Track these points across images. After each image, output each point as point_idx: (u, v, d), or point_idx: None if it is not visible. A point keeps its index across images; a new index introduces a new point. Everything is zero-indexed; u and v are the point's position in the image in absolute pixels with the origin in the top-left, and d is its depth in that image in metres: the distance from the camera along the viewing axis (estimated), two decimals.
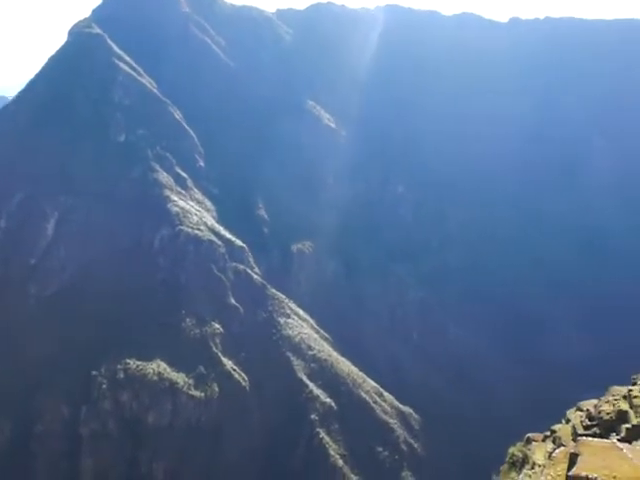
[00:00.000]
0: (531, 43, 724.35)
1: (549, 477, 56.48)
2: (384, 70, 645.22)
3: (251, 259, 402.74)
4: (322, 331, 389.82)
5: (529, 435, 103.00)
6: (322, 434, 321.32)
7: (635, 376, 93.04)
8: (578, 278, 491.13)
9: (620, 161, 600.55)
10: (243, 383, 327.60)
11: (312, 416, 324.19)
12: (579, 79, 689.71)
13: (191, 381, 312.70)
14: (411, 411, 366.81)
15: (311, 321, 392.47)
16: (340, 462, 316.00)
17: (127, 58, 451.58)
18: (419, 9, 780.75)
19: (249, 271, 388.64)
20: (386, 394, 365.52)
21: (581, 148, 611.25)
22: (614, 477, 43.47)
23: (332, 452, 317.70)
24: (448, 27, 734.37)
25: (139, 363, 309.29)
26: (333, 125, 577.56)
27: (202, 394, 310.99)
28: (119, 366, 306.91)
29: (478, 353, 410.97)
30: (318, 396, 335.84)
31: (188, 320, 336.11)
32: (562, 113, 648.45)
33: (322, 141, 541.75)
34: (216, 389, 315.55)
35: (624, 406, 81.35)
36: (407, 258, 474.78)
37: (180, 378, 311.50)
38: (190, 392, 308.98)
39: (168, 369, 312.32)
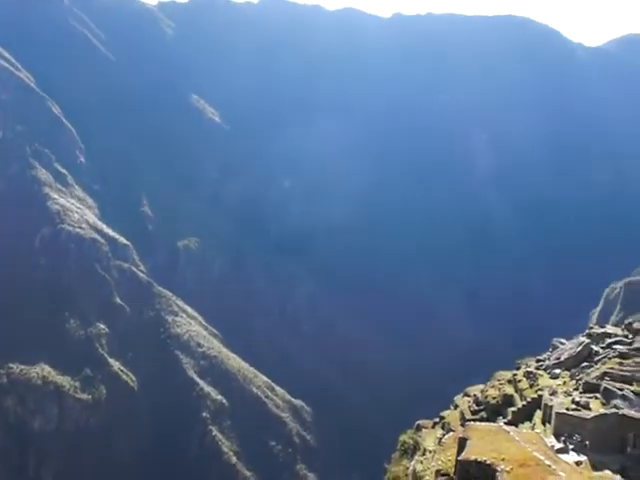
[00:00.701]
0: (413, 38, 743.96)
1: (440, 462, 57.81)
2: (268, 64, 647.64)
3: (136, 257, 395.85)
4: (211, 328, 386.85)
5: (419, 422, 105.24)
6: (214, 431, 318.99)
7: (519, 361, 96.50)
8: (463, 266, 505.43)
9: (500, 153, 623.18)
10: (131, 384, 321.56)
11: (204, 414, 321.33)
12: (460, 73, 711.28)
13: (77, 384, 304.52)
14: (303, 404, 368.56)
15: (200, 318, 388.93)
16: (234, 458, 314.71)
17: (4, 52, 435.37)
18: (303, 4, 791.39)
19: (134, 269, 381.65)
20: (277, 388, 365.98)
21: (462, 141, 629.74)
22: (502, 459, 44.67)
23: (225, 449, 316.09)
24: (331, 22, 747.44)
25: (22, 367, 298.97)
26: (217, 119, 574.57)
27: (89, 397, 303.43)
28: (1, 371, 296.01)
29: (367, 343, 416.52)
30: (209, 393, 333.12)
31: (72, 321, 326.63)
32: (440, 106, 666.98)
33: (206, 135, 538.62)
34: (104, 391, 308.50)
35: (509, 390, 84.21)
36: (295, 252, 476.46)
37: (65, 381, 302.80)
38: (77, 395, 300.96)
39: (53, 372, 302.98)
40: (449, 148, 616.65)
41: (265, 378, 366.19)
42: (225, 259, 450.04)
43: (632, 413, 48.20)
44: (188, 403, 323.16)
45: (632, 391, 54.96)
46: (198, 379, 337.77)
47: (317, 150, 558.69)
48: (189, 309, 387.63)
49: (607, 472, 42.85)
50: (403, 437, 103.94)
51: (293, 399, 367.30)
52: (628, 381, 59.43)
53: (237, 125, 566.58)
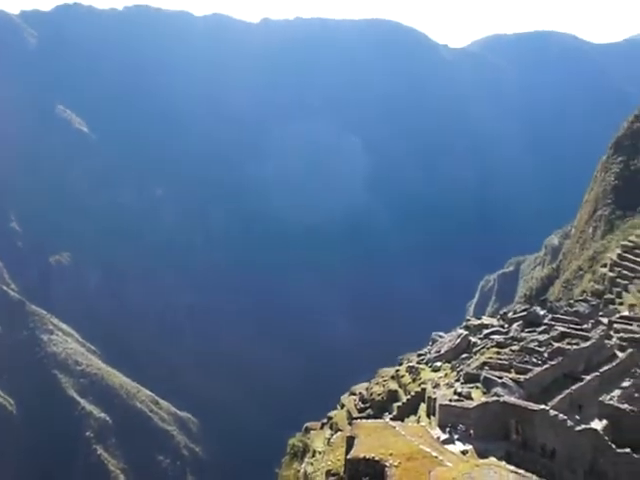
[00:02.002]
0: (282, 42, 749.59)
1: (329, 463, 57.94)
2: (134, 72, 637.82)
3: (6, 275, 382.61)
4: (89, 344, 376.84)
5: (307, 424, 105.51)
6: (99, 450, 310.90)
7: (401, 357, 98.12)
8: (343, 267, 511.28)
9: (374, 156, 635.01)
10: (9, 407, 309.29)
11: (87, 433, 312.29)
12: (330, 77, 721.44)
13: None
14: (189, 415, 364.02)
15: (76, 335, 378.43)
16: (122, 477, 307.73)
17: None
18: (168, 9, 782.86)
19: (5, 288, 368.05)
20: (162, 402, 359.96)
21: (336, 145, 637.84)
22: (390, 454, 45.10)
23: (112, 467, 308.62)
24: (199, 27, 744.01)
25: None
26: (85, 129, 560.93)
27: None
28: None
29: (251, 350, 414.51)
30: (91, 412, 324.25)
31: None
32: (311, 110, 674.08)
33: (73, 146, 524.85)
34: None
35: (393, 386, 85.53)
36: (173, 261, 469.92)
37: None
38: None
39: None
40: (322, 152, 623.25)
41: (149, 392, 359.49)
42: (99, 272, 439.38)
43: (513, 400, 49.59)
44: (70, 423, 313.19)
45: (511, 378, 56.62)
46: (79, 398, 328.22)
47: (184, 157, 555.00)
48: (65, 326, 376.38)
49: (492, 459, 43.89)
50: (292, 440, 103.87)
51: (179, 411, 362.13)
52: (506, 369, 61.28)
53: (105, 134, 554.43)
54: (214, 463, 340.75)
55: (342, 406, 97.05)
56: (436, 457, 44.43)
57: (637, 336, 67.60)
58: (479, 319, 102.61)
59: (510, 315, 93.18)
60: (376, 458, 45.28)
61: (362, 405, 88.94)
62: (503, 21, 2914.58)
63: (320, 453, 76.71)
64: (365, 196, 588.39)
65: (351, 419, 77.35)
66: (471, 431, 49.18)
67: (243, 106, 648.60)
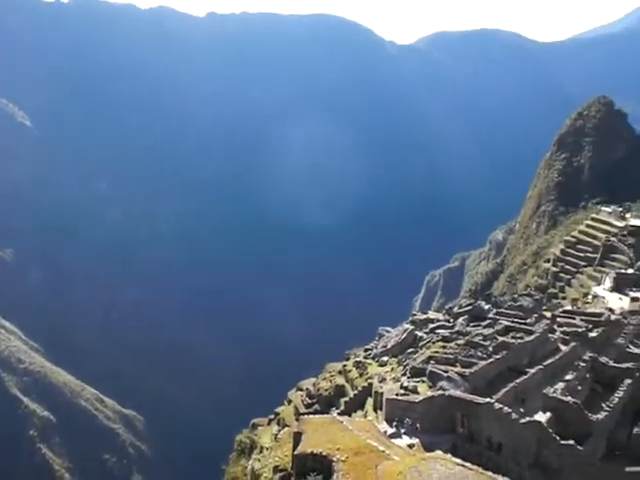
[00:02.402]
0: (227, 36, 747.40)
1: (277, 459, 57.89)
2: (78, 65, 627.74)
3: None
4: (32, 342, 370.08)
5: (254, 421, 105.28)
6: (44, 449, 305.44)
7: (348, 352, 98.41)
8: (289, 264, 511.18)
9: (319, 151, 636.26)
10: None
11: (31, 432, 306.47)
12: (275, 71, 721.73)
13: None
14: (135, 413, 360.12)
15: (19, 333, 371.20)
16: (67, 476, 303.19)
17: None
18: (114, 2, 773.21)
19: None
20: (107, 400, 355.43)
21: (276, 138, 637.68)
22: (337, 449, 45.21)
23: (57, 467, 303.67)
24: (145, 20, 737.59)
25: None
26: (28, 123, 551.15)
27: None
28: None
29: (197, 346, 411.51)
30: (35, 410, 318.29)
31: None
32: (254, 103, 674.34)
33: (16, 140, 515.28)
34: None
35: (340, 381, 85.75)
36: (118, 257, 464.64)
37: None
38: None
39: None
40: (263, 146, 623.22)
41: (93, 390, 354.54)
42: (43, 269, 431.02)
43: (458, 393, 50.06)
44: (13, 422, 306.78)
45: (457, 372, 57.14)
46: (22, 396, 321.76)
47: (129, 154, 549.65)
48: (7, 324, 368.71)
49: (439, 452, 44.27)
50: (239, 437, 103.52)
51: (124, 409, 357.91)
52: (452, 363, 61.87)
53: (48, 129, 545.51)
54: (161, 461, 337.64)
55: (289, 402, 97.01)
56: (383, 451, 44.66)
57: (580, 330, 68.76)
58: (425, 314, 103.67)
59: (455, 310, 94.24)
60: (323, 453, 45.34)
61: (309, 401, 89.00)
62: (448, 18, 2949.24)
63: (267, 449, 76.56)
64: (310, 191, 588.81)
65: (298, 415, 77.30)
66: (418, 425, 49.53)
67: (188, 100, 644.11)
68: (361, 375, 79.08)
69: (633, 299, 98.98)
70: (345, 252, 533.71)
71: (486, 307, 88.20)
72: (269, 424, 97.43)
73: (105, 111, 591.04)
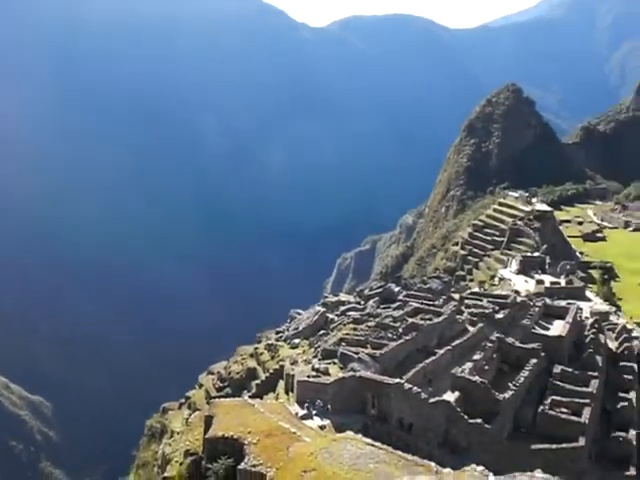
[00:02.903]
0: (138, 17, 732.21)
1: (188, 443, 57.27)
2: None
3: None
4: None
5: (165, 405, 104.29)
6: None
7: (260, 334, 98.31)
8: (202, 249, 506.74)
9: (231, 138, 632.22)
10: None
11: None
12: (187, 54, 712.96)
13: None
14: (42, 399, 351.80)
15: None
16: None
17: None
18: None
19: None
20: (13, 386, 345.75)
21: (191, 124, 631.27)
22: (249, 432, 45.07)
23: None
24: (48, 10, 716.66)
25: None
26: None
27: None
28: None
29: (109, 332, 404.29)
30: None
31: None
32: (169, 89, 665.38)
33: None
34: None
35: (252, 364, 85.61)
36: (30, 244, 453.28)
37: None
38: None
39: None
40: (178, 132, 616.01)
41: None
42: None
43: (369, 374, 50.48)
44: None
45: (367, 354, 57.61)
46: None
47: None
48: None
49: (349, 433, 44.56)
50: (150, 422, 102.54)
51: (30, 395, 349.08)
52: (363, 345, 62.35)
53: None
54: (70, 447, 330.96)
55: (200, 386, 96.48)
56: (294, 433, 44.73)
57: (487, 311, 70.21)
58: (336, 296, 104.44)
59: (366, 292, 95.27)
60: (235, 436, 45.13)
61: (221, 384, 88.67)
62: (362, 2, 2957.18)
63: (178, 433, 75.83)
64: (222, 179, 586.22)
65: (209, 398, 76.82)
66: (329, 406, 49.74)
67: (87, 93, 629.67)
68: (273, 358, 79.17)
69: (538, 281, 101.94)
70: (258, 236, 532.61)
71: (396, 289, 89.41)
72: (180, 408, 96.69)
73: None
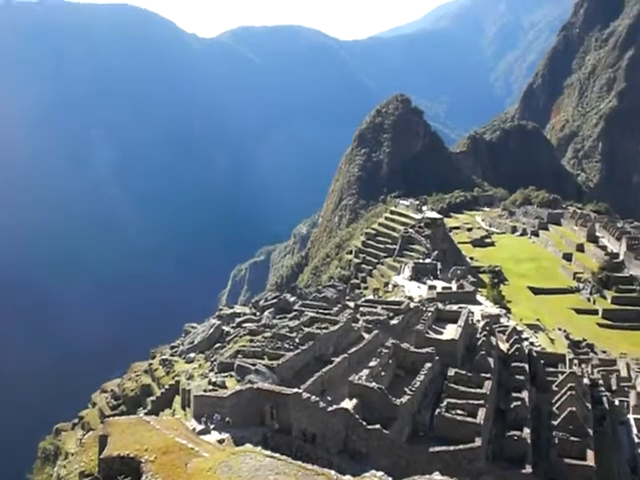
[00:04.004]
0: (26, 24, 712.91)
1: (83, 464, 55.44)
2: None
3: None
4: None
5: (57, 426, 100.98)
6: None
7: (154, 350, 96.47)
8: (92, 260, 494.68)
9: (118, 149, 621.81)
10: None
11: None
12: (75, 63, 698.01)
13: None
14: None
15: None
16: None
17: None
18: None
19: None
20: None
21: (84, 137, 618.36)
22: (145, 450, 43.96)
23: None
24: None
25: None
26: None
27: None
28: None
29: None
30: None
31: None
32: (59, 99, 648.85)
33: None
34: None
35: (147, 380, 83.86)
36: None
37: None
38: None
39: None
40: (69, 144, 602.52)
41: None
42: None
43: (266, 386, 50.19)
44: None
45: (264, 365, 57.36)
46: None
47: None
48: None
49: (248, 445, 44.09)
50: (42, 444, 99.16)
51: None
52: (259, 356, 62.10)
53: None
54: None
55: (94, 404, 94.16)
56: (192, 448, 43.91)
57: (381, 318, 70.97)
58: (231, 308, 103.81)
59: (262, 303, 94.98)
60: (131, 455, 43.94)
61: (115, 402, 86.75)
62: (252, 13, 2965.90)
63: (73, 455, 73.46)
64: (114, 188, 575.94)
65: (103, 417, 74.81)
66: (228, 419, 49.21)
67: None
68: (168, 373, 77.90)
69: (430, 287, 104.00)
70: (151, 248, 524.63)
71: (292, 299, 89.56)
72: (73, 429, 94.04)
73: None
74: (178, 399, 65.60)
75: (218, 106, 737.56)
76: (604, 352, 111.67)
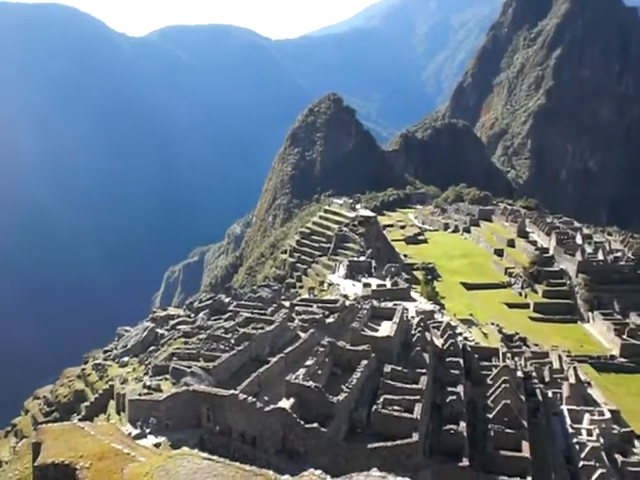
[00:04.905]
0: None
1: (17, 472, 54.17)
2: None
3: None
4: None
5: None
6: None
7: (86, 355, 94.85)
8: (20, 265, 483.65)
9: (48, 146, 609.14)
10: None
11: None
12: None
13: None
14: None
15: None
16: None
17: None
18: None
19: None
20: None
21: (11, 131, 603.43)
22: (81, 456, 43.20)
23: None
24: None
25: None
26: None
27: None
28: None
29: None
30: None
31: None
32: None
33: None
34: None
35: (80, 386, 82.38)
36: None
37: None
38: None
39: None
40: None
41: None
42: None
43: (202, 388, 49.81)
44: None
45: (200, 367, 56.92)
46: None
47: None
48: None
49: (185, 449, 43.67)
50: None
51: None
52: (195, 358, 61.64)
53: None
54: None
55: (26, 412, 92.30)
56: (128, 454, 43.30)
57: (317, 317, 71.06)
58: (165, 310, 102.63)
59: (196, 304, 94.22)
60: (66, 462, 43.12)
61: (48, 409, 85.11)
62: (181, 12, 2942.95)
63: (7, 463, 71.78)
64: (42, 189, 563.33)
65: (37, 424, 73.35)
66: (165, 423, 48.73)
67: None
68: (101, 378, 76.69)
69: (365, 285, 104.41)
70: (81, 251, 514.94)
71: (226, 300, 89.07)
72: (6, 437, 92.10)
73: None
74: (113, 404, 64.69)
75: (150, 105, 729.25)
76: (536, 345, 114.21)
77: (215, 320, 77.34)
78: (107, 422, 56.83)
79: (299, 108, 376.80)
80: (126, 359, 77.16)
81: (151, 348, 75.25)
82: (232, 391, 47.90)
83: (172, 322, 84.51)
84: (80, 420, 60.04)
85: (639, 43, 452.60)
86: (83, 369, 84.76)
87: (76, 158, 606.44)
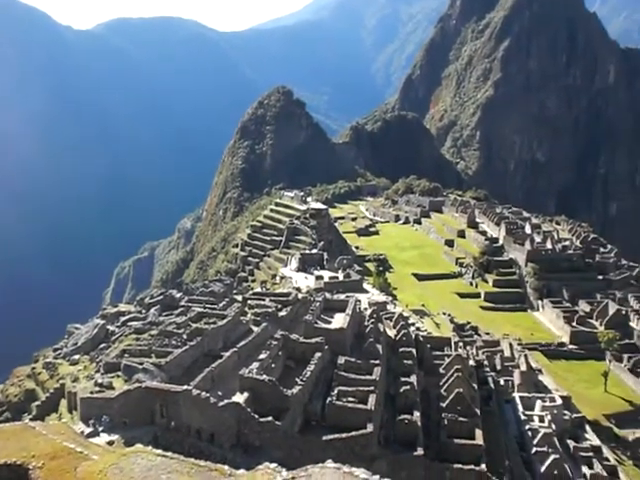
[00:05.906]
0: None
1: None
2: None
3: None
4: None
5: None
6: None
7: (37, 353, 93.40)
8: None
9: None
10: None
11: None
12: None
13: None
14: None
15: None
16: None
17: None
18: None
19: None
20: None
21: None
22: (33, 456, 42.62)
23: None
24: None
25: None
26: None
27: None
28: None
29: None
30: None
31: None
32: None
33: None
34: None
35: (30, 385, 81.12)
36: None
37: None
38: None
39: None
40: None
41: None
42: None
43: (155, 384, 49.41)
44: None
45: (152, 363, 56.45)
46: None
47: None
48: None
49: (139, 446, 43.34)
50: None
51: None
52: (147, 354, 61.07)
53: None
54: None
55: None
56: (81, 452, 42.84)
57: (270, 310, 71.05)
58: (116, 307, 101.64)
59: (147, 300, 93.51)
60: (18, 462, 42.47)
61: None
62: (126, 5, 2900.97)
63: None
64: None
65: None
66: (119, 420, 48.32)
67: None
68: (52, 377, 75.62)
69: (318, 277, 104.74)
70: (27, 249, 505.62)
71: (178, 295, 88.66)
72: None
73: None
74: (64, 403, 63.78)
75: (95, 99, 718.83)
76: (488, 334, 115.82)
77: (167, 316, 76.86)
78: (59, 421, 56.19)
79: (249, 101, 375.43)
80: (77, 357, 76.18)
81: (102, 345, 74.46)
82: (186, 387, 47.65)
83: (123, 319, 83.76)
84: (31, 420, 59.20)
85: (586, 34, 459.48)
86: (33, 368, 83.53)
87: (19, 154, 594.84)
